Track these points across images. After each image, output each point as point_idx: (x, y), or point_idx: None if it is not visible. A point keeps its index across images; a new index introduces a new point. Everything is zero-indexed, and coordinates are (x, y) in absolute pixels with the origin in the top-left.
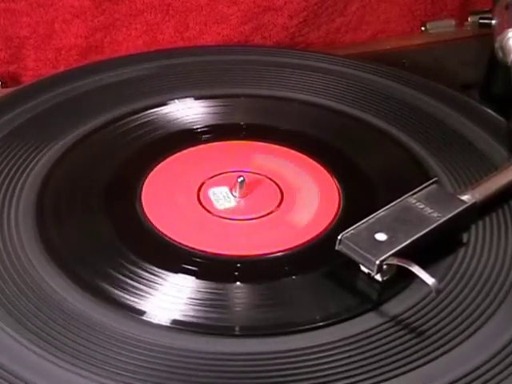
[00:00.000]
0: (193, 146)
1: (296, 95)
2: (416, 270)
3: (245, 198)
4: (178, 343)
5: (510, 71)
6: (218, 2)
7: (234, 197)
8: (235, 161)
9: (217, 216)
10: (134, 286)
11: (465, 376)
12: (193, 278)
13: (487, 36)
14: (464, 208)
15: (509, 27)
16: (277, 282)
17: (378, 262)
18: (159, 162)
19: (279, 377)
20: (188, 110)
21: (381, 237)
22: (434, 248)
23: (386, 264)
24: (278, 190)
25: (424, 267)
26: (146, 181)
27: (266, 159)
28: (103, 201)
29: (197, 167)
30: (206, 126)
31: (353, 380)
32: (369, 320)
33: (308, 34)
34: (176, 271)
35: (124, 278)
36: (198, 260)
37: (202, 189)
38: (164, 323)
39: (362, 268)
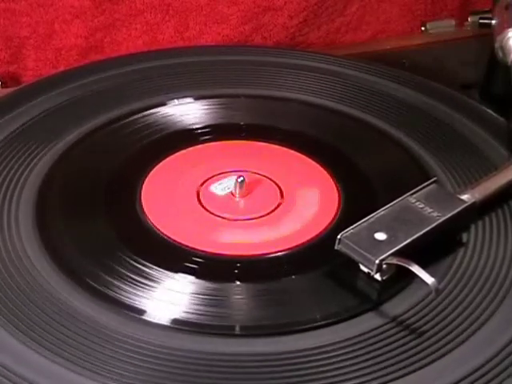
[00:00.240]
0: (193, 145)
1: (296, 95)
2: (415, 269)
3: (245, 198)
4: (178, 343)
5: (510, 71)
6: (218, 2)
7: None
8: (235, 161)
9: (217, 216)
10: (133, 286)
11: (465, 377)
12: (193, 277)
13: (487, 36)
14: (464, 207)
15: (509, 27)
16: (277, 281)
17: (377, 262)
18: (159, 162)
19: (279, 377)
20: (188, 110)
21: (380, 236)
22: (433, 248)
23: (385, 263)
24: (278, 190)
25: (424, 267)
26: (146, 181)
27: (266, 159)
28: (103, 201)
29: (197, 167)
30: (206, 126)
31: (353, 380)
32: (368, 320)
33: (308, 34)
34: (176, 271)
35: (124, 278)
36: (197, 260)
37: (202, 189)
38: (164, 323)
39: (362, 267)
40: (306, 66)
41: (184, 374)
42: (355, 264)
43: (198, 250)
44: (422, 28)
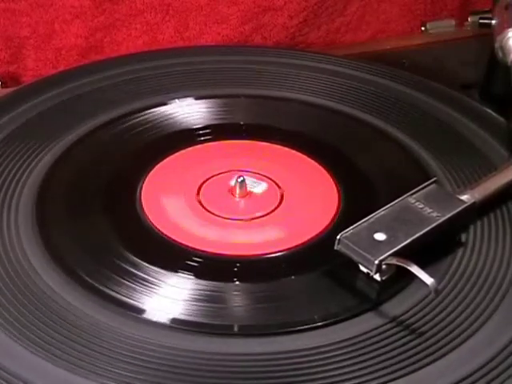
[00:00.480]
0: (193, 145)
1: (296, 95)
2: (415, 269)
3: (245, 198)
4: (178, 343)
5: (510, 71)
6: (218, 2)
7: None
8: (235, 161)
9: (217, 216)
10: (133, 286)
11: (466, 377)
12: (193, 277)
13: (487, 36)
14: (463, 208)
15: (509, 27)
16: (276, 281)
17: (377, 262)
18: (159, 162)
19: (278, 377)
20: (188, 110)
21: (380, 236)
22: (433, 248)
23: (385, 264)
24: (278, 190)
25: (423, 267)
26: (146, 181)
27: (266, 159)
28: (103, 201)
29: (197, 167)
30: (206, 126)
31: (353, 380)
32: (368, 320)
33: (308, 34)
34: (176, 271)
35: (124, 278)
36: (197, 260)
37: (202, 189)
38: (164, 322)
39: (361, 268)
40: (306, 65)
41: (183, 374)
42: (355, 264)
43: (197, 249)
44: (422, 28)
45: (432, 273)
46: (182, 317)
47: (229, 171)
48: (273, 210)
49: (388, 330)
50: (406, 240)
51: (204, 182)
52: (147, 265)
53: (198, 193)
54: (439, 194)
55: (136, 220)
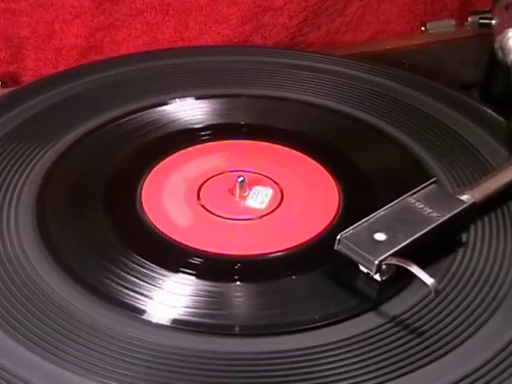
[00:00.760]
0: (193, 145)
1: (296, 95)
2: (415, 269)
3: (245, 198)
4: (178, 343)
5: (510, 71)
6: (217, 2)
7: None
8: (235, 161)
9: (217, 216)
10: (134, 286)
11: (465, 377)
12: (193, 277)
13: (487, 36)
14: (463, 208)
15: (509, 27)
16: (277, 281)
17: (377, 262)
18: (159, 162)
19: (279, 377)
20: (188, 110)
21: (380, 237)
22: (433, 248)
23: (385, 264)
24: (278, 190)
25: (423, 267)
26: (146, 181)
27: (265, 159)
28: (103, 200)
29: (197, 167)
30: (206, 126)
31: (352, 380)
32: (368, 320)
33: (308, 34)
34: (176, 271)
35: (124, 278)
36: (198, 260)
37: (202, 189)
38: (164, 323)
39: (362, 268)
40: (305, 65)
41: (183, 374)
42: (355, 264)
43: (198, 249)
44: (422, 28)
45: (432, 273)
46: (182, 317)
47: (229, 171)
48: (273, 210)
49: (388, 329)
50: (406, 240)
51: (204, 182)
52: (147, 265)
53: (198, 193)
54: (439, 194)
55: (136, 220)
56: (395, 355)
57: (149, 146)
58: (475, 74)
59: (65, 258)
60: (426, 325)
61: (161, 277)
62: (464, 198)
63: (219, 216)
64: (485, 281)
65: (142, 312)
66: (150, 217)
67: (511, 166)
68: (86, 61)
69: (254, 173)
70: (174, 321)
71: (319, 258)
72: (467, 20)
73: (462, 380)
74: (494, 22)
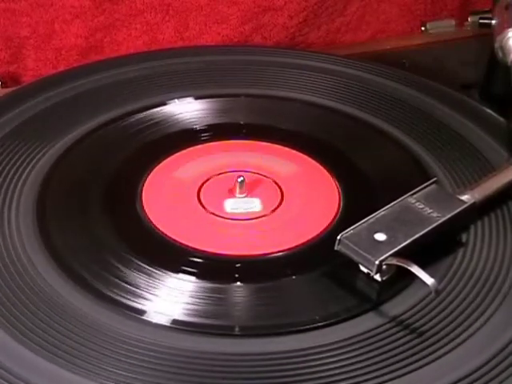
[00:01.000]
0: (193, 145)
1: (296, 95)
2: (415, 270)
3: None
4: (178, 343)
5: (510, 71)
6: (217, 2)
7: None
8: (235, 161)
9: (217, 216)
10: (134, 286)
11: (466, 377)
12: (193, 277)
13: (487, 36)
14: (463, 208)
15: (509, 27)
16: (277, 281)
17: (377, 262)
18: (159, 162)
19: (279, 377)
20: (188, 110)
21: (380, 237)
22: (433, 248)
23: (385, 264)
24: (278, 190)
25: (423, 267)
26: (147, 181)
27: (266, 159)
28: (103, 201)
29: (197, 167)
30: (205, 126)
31: (352, 380)
32: (368, 320)
33: (308, 34)
34: (176, 271)
35: (124, 278)
36: (198, 260)
37: (202, 189)
38: (164, 323)
39: (362, 268)
40: (306, 65)
41: (184, 374)
42: (355, 264)
43: (198, 249)
44: (422, 28)
45: (432, 273)
46: (182, 317)
47: (229, 171)
48: (273, 210)
49: (388, 330)
50: (406, 240)
51: (204, 182)
52: (147, 265)
53: (198, 193)
54: (439, 194)
55: (136, 220)
56: (395, 355)
57: (149, 146)
58: (475, 74)
59: (65, 258)
60: (426, 325)
61: (161, 277)
62: (464, 198)
63: (219, 216)
64: (485, 281)
65: (142, 312)
66: (150, 217)
67: (511, 166)
68: (86, 61)
69: (254, 173)
70: (174, 321)
71: (319, 258)
72: (467, 20)
73: (462, 380)
74: (493, 21)
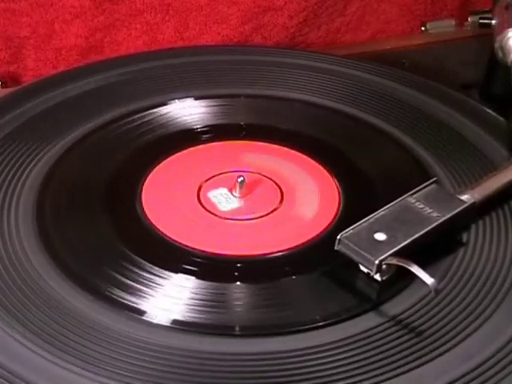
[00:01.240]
0: (193, 145)
1: (296, 95)
2: (415, 269)
3: (245, 198)
4: (178, 343)
5: (510, 71)
6: (218, 2)
7: (235, 197)
8: (235, 161)
9: (217, 216)
10: (134, 286)
11: (464, 376)
12: (193, 277)
13: (487, 36)
14: (463, 208)
15: (509, 27)
16: (277, 282)
17: (377, 262)
18: (159, 162)
19: (279, 377)
20: (188, 110)
21: (380, 236)
22: (433, 248)
23: (385, 264)
24: (278, 190)
25: (423, 267)
26: (146, 181)
27: (265, 159)
28: (103, 201)
29: (197, 167)
30: (206, 126)
31: (352, 380)
32: (368, 320)
33: (308, 34)
34: (176, 271)
35: (124, 278)
36: (198, 260)
37: (202, 189)
38: (164, 323)
39: (362, 268)
40: (306, 65)
41: (184, 374)
42: (355, 264)
43: (197, 249)
44: (422, 28)
45: (432, 273)
46: (182, 317)
47: (229, 171)
48: (273, 210)
49: (388, 329)
50: (406, 240)
51: (204, 182)
52: (147, 265)
53: (198, 193)
54: (439, 193)
55: (136, 220)
56: (395, 355)
57: (149, 147)
58: (475, 74)
59: (65, 258)
60: (426, 324)
61: (161, 277)
62: (464, 197)
63: (219, 216)
64: (485, 281)
65: (142, 312)
66: (150, 217)
67: (511, 166)
68: (86, 61)
69: (254, 173)
70: (174, 321)
71: (319, 258)
72: (467, 20)
73: (461, 379)
74: (494, 21)
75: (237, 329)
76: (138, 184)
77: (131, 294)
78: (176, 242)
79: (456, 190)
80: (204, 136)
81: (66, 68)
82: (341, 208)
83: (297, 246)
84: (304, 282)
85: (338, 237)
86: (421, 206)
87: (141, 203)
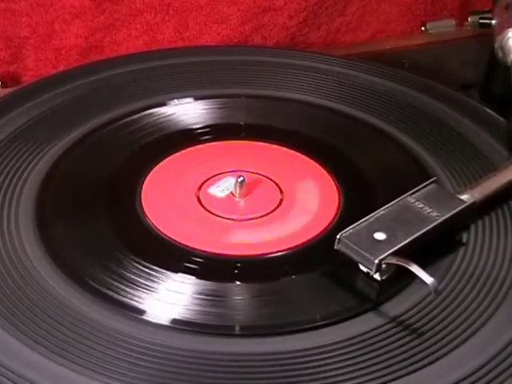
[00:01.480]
0: (193, 145)
1: (296, 95)
2: (415, 269)
3: (245, 198)
4: (178, 343)
5: (510, 71)
6: (218, 2)
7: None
8: (235, 161)
9: (217, 216)
10: (134, 286)
11: (466, 377)
12: (193, 277)
13: (487, 36)
14: (463, 207)
15: (509, 27)
16: (277, 281)
17: (376, 262)
18: (159, 162)
19: (279, 377)
20: (188, 110)
21: (380, 236)
22: (433, 248)
23: (384, 263)
24: (278, 190)
25: (423, 267)
26: (146, 181)
27: (265, 159)
28: (103, 201)
29: (197, 167)
30: (206, 126)
31: (352, 381)
32: (368, 320)
33: (308, 34)
34: (176, 271)
35: (124, 278)
36: (198, 260)
37: (202, 189)
38: (164, 323)
39: (361, 267)
40: (305, 66)
41: (184, 374)
42: (355, 264)
43: (197, 249)
44: (422, 28)
45: (432, 272)
46: (182, 317)
47: (229, 171)
48: (273, 210)
49: (388, 329)
50: (405, 239)
51: (204, 182)
52: (147, 265)
53: (198, 193)
54: (439, 193)
55: (136, 220)
56: (395, 355)
57: (149, 147)
58: (475, 74)
59: (65, 258)
60: (427, 325)
61: (161, 277)
62: (464, 197)
63: (219, 216)
64: (485, 281)
65: (142, 312)
66: (150, 217)
67: (511, 166)
68: (86, 61)
69: (254, 173)
70: (174, 321)
71: (319, 258)
72: (467, 20)
73: (462, 380)
74: (494, 22)
75: (237, 329)
76: (137, 184)
77: (131, 293)
78: (176, 241)
79: (456, 189)
80: (204, 136)
81: (66, 68)
82: (340, 208)
83: (296, 246)
84: (304, 281)
85: (338, 236)
86: (420, 206)
87: (141, 203)
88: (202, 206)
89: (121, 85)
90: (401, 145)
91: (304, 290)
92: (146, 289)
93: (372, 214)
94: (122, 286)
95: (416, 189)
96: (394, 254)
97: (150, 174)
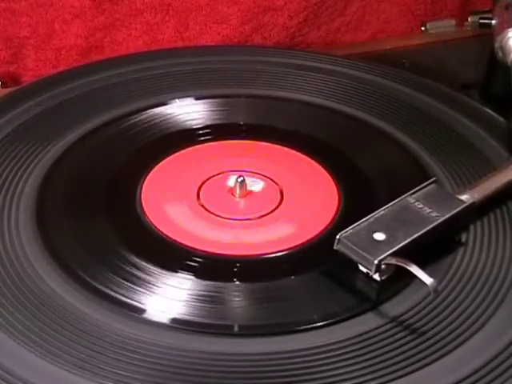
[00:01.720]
0: (193, 145)
1: (296, 95)
2: (414, 269)
3: (245, 198)
4: (178, 343)
5: (510, 71)
6: (217, 2)
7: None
8: (235, 161)
9: (217, 216)
10: (133, 286)
11: (466, 377)
12: (193, 277)
13: (487, 36)
14: (463, 208)
15: (509, 27)
16: (276, 281)
17: (376, 262)
18: (159, 162)
19: (278, 377)
20: (188, 110)
21: (379, 236)
22: (433, 248)
23: (384, 263)
24: (278, 190)
25: (423, 267)
26: (146, 181)
27: (265, 159)
28: (103, 201)
29: (197, 167)
30: (206, 126)
31: (352, 381)
32: (368, 320)
33: (308, 34)
34: (176, 271)
35: (124, 278)
36: (197, 259)
37: (202, 189)
38: (164, 323)
39: (361, 268)
40: (305, 65)
41: (183, 374)
42: (354, 264)
43: (197, 249)
44: (422, 28)
45: (432, 273)
46: (182, 317)
47: (229, 171)
48: (273, 210)
49: (388, 330)
50: (405, 240)
51: (204, 182)
52: (147, 265)
53: (198, 193)
54: (439, 193)
55: (136, 220)
56: (395, 356)
57: (149, 146)
58: (475, 74)
59: (65, 258)
60: (426, 325)
61: (160, 277)
62: (464, 197)
63: (219, 216)
64: (485, 281)
65: (142, 312)
66: (150, 217)
67: (511, 166)
68: (86, 61)
69: (254, 173)
70: (174, 320)
71: (319, 258)
72: (467, 20)
73: (462, 380)
74: (494, 21)
75: (236, 328)
76: (137, 184)
77: (131, 293)
78: (176, 241)
79: (455, 189)
80: (204, 136)
81: (66, 68)
82: (340, 208)
83: (296, 246)
84: (303, 281)
85: (338, 236)
86: (420, 206)
87: (141, 203)
88: (202, 205)
89: (121, 85)
90: (401, 145)
91: (303, 290)
92: (146, 288)
93: (372, 215)
94: (122, 286)
95: (416, 189)
96: (394, 254)
97: (150, 174)
